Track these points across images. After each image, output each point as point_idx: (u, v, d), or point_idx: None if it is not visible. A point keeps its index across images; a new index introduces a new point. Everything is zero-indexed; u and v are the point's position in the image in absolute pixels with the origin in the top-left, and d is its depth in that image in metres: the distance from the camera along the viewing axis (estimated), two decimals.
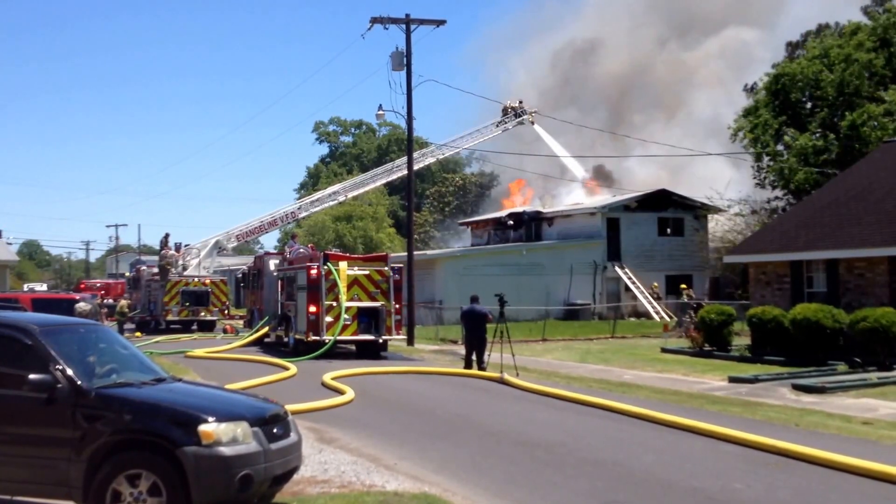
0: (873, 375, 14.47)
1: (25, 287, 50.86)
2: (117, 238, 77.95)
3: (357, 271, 19.37)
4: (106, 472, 5.53)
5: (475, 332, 16.38)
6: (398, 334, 20.05)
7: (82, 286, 47.93)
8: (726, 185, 32.27)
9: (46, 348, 5.94)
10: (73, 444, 5.62)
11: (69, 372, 5.83)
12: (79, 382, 5.80)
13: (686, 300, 26.97)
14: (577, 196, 41.46)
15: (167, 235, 33.09)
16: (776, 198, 31.46)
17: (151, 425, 5.60)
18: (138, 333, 29.04)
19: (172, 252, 32.21)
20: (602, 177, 43.59)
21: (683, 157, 41.53)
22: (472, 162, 71.29)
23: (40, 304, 18.55)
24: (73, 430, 5.66)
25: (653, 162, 40.41)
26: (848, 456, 7.89)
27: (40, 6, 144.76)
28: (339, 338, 18.91)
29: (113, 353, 6.68)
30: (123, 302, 30.53)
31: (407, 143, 26.82)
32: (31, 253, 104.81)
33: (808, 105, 30.91)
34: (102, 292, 44.09)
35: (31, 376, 5.73)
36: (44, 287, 57.10)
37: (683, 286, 30.63)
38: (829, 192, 21.22)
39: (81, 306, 17.80)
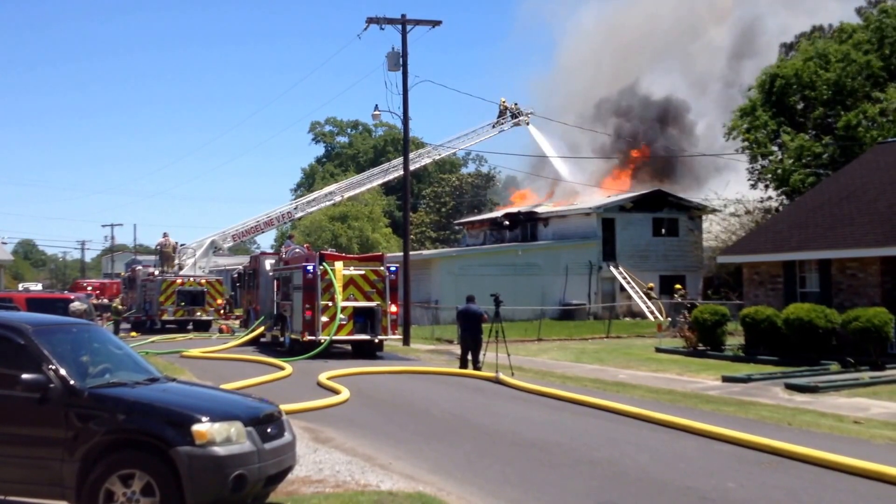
0: (865, 375, 14.54)
1: (20, 287, 50.67)
2: (113, 238, 77.81)
3: (353, 271, 19.38)
4: (99, 472, 5.52)
5: (471, 331, 16.40)
6: (394, 334, 20.05)
7: (82, 286, 47.82)
8: (725, 186, 32.40)
9: (39, 348, 5.93)
10: (67, 444, 5.61)
11: (62, 372, 5.82)
12: (72, 382, 5.79)
13: (680, 300, 27.04)
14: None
15: (166, 234, 33.41)
16: (769, 198, 31.57)
17: (145, 425, 5.59)
18: (134, 333, 28.97)
19: (172, 241, 32.49)
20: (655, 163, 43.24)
21: (678, 155, 41.69)
22: (469, 162, 71.57)
23: (35, 304, 18.51)
24: (66, 429, 5.65)
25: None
26: (840, 455, 7.92)
27: (37, 7, 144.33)
28: (334, 338, 18.90)
29: (106, 353, 6.67)
30: (116, 300, 30.50)
31: (403, 144, 26.84)
32: (27, 252, 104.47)
33: (801, 106, 30.96)
34: (97, 292, 43.94)
35: (24, 376, 5.72)
36: (38, 287, 56.92)
37: (678, 286, 30.76)
38: (822, 193, 21.31)
39: (76, 306, 17.79)
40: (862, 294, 17.12)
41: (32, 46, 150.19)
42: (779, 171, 29.98)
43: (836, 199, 19.93)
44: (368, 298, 19.31)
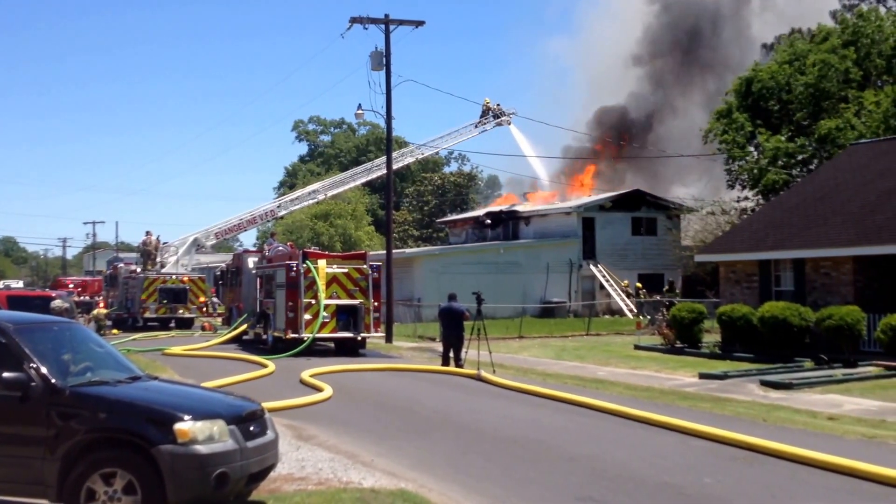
0: (838, 372, 14.83)
1: (1, 284, 49.92)
2: (94, 235, 76.83)
3: (336, 269, 19.38)
4: (80, 470, 5.52)
5: (453, 329, 16.48)
6: (377, 332, 20.07)
7: (68, 283, 47.06)
8: (704, 185, 32.88)
9: (20, 346, 5.91)
10: (48, 442, 5.60)
11: (43, 370, 5.81)
12: (53, 381, 5.78)
13: (657, 298, 27.39)
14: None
15: (149, 232, 33.08)
16: (745, 198, 32.00)
17: (127, 424, 5.60)
18: (115, 331, 28.56)
19: (154, 239, 32.20)
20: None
21: (667, 155, 42.04)
22: (451, 161, 71.69)
23: (15, 302, 18.29)
24: (48, 428, 5.64)
25: None
26: (813, 451, 8.08)
27: (18, 5, 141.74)
28: (317, 335, 18.89)
29: (88, 351, 6.65)
30: (102, 310, 29.23)
31: (386, 143, 26.80)
32: (8, 250, 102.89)
33: (777, 108, 31.39)
34: (79, 290, 43.38)
35: (5, 374, 5.70)
36: (20, 284, 56.11)
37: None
38: (797, 194, 21.69)
39: (57, 304, 17.59)
40: (835, 293, 17.46)
41: (14, 45, 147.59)
42: (754, 171, 30.40)
43: (810, 199, 20.29)
44: (351, 296, 19.32)
